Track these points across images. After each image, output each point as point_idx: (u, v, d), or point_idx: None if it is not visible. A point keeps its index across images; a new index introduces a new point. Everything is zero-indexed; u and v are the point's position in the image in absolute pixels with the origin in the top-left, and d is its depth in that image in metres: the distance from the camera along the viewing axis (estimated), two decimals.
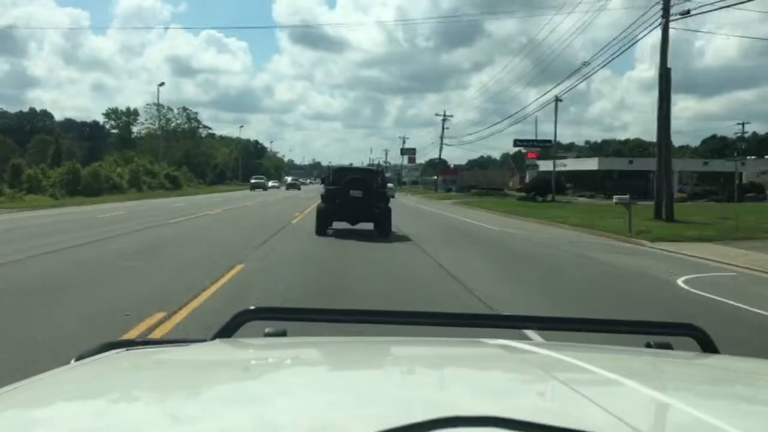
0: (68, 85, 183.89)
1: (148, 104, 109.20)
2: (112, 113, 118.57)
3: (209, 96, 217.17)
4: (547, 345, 1.65)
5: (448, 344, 1.71)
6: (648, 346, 1.65)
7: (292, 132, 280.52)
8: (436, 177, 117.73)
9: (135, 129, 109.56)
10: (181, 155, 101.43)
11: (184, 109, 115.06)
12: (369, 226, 18.16)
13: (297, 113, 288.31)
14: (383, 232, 17.62)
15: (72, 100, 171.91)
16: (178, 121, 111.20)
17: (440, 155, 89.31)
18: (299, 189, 76.85)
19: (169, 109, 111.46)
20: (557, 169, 65.96)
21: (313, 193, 64.32)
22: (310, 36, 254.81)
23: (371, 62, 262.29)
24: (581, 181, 62.36)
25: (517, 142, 67.09)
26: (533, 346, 1.54)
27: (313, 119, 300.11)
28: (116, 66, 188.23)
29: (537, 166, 65.08)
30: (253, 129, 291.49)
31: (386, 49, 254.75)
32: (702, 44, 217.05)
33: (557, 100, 46.66)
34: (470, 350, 1.60)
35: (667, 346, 1.62)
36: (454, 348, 1.66)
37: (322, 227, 17.50)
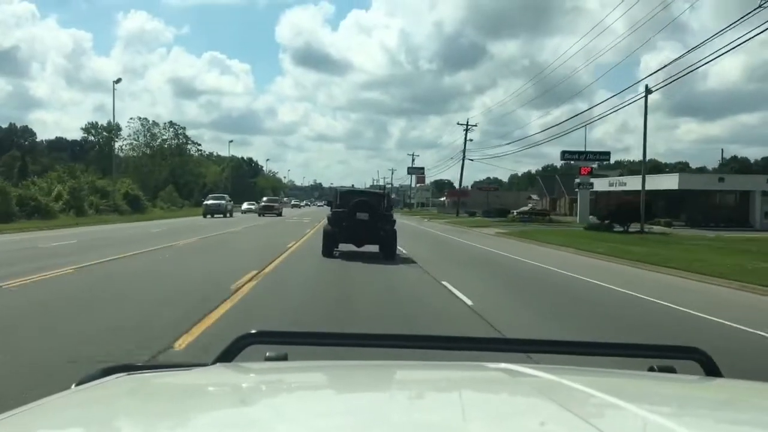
0: (71, 107, 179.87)
1: (131, 118, 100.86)
2: (91, 128, 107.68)
3: (211, 117, 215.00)
4: (549, 368, 1.56)
5: (450, 368, 1.75)
6: (651, 369, 1.62)
7: (294, 154, 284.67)
8: (444, 199, 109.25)
9: (117, 145, 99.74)
10: (167, 173, 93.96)
11: (171, 123, 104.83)
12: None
13: (299, 135, 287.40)
14: (389, 255, 17.45)
15: (75, 121, 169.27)
16: (165, 137, 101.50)
17: (462, 172, 75.11)
18: (280, 214, 54.56)
19: (155, 123, 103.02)
20: (613, 188, 53.01)
21: (309, 217, 52.71)
22: (312, 58, 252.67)
23: (373, 84, 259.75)
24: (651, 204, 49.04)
25: (566, 155, 54.21)
26: (535, 369, 1.50)
27: (316, 141, 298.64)
28: (119, 87, 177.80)
29: (591, 184, 51.91)
30: (255, 150, 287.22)
31: (388, 71, 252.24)
32: None
33: (648, 91, 33.37)
34: (472, 374, 1.62)
35: (671, 370, 1.60)
36: (455, 372, 1.69)
37: (329, 249, 17.44)
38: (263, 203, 58.78)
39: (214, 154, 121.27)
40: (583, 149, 53.22)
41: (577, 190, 52.80)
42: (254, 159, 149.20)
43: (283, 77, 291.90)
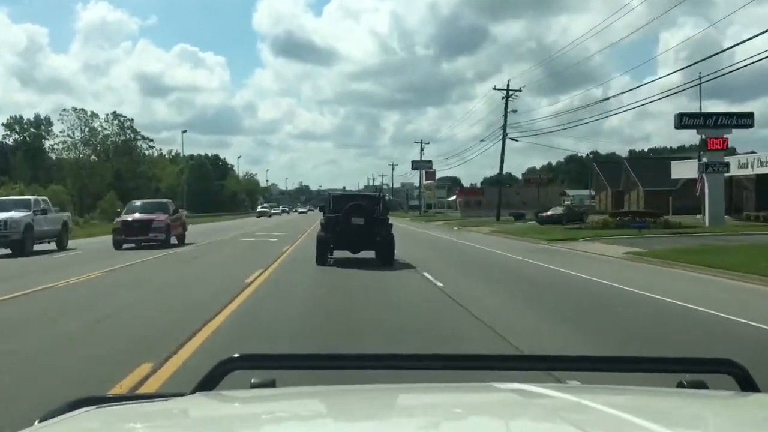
0: (26, 109, 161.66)
1: (64, 110, 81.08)
2: (14, 123, 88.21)
3: (184, 117, 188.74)
4: (567, 388, 1.51)
5: (456, 390, 1.61)
6: (680, 385, 1.53)
7: (277, 154, 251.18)
8: (455, 198, 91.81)
9: (48, 144, 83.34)
10: (111, 176, 76.69)
11: (115, 115, 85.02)
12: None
13: (282, 133, 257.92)
14: (386, 261, 16.46)
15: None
16: (107, 132, 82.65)
17: (503, 155, 52.23)
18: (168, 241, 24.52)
19: (94, 115, 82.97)
20: (741, 173, 33.89)
21: (284, 231, 33.96)
22: (294, 47, 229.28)
23: (363, 74, 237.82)
24: None
25: (684, 119, 34.46)
26: (549, 389, 1.41)
27: (301, 139, 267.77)
28: (79, 86, 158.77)
29: (726, 166, 32.75)
30: (233, 152, 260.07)
31: (379, 59, 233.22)
32: None
33: None
34: (480, 396, 1.51)
35: (702, 385, 1.50)
36: (462, 395, 1.56)
37: (322, 257, 16.42)
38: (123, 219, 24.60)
39: (173, 152, 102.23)
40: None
41: (702, 175, 33.59)
42: (222, 157, 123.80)
43: (263, 69, 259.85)
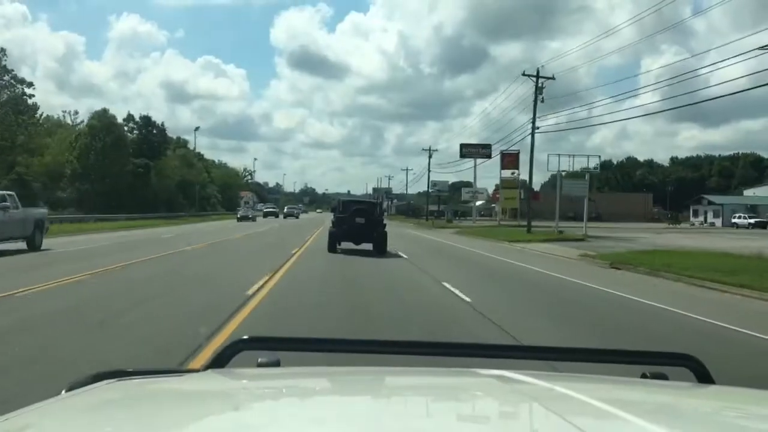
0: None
1: None
2: None
3: (206, 123, 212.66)
4: (540, 375, 1.57)
5: (443, 374, 1.71)
6: (644, 376, 1.64)
7: (289, 160, 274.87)
8: (493, 205, 75.69)
9: None
10: None
11: None
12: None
13: (295, 141, 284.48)
14: (380, 251, 21.46)
15: None
16: None
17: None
18: None
19: None
20: None
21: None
22: (309, 61, 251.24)
23: (371, 89, 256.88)
24: None
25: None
26: (526, 376, 1.51)
27: (312, 147, 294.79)
28: (111, 91, 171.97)
29: None
30: (250, 157, 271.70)
31: (386, 75, 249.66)
32: None
33: None
34: (464, 380, 1.60)
35: (663, 377, 1.62)
36: (449, 378, 1.66)
37: (333, 246, 21.71)
38: None
39: (72, 112, 76.35)
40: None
41: None
42: (153, 119, 73.84)
43: (279, 81, 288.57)
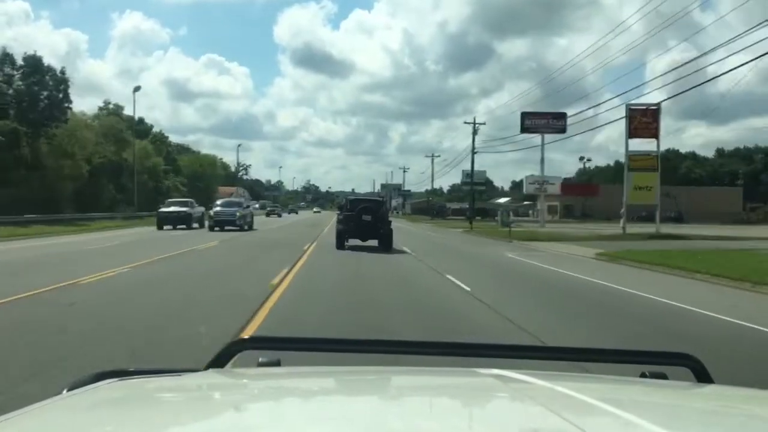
0: None
1: None
2: None
3: (209, 121, 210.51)
4: (541, 375, 1.56)
5: (444, 374, 1.73)
6: (643, 375, 1.65)
7: (293, 159, 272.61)
8: (508, 202, 64.53)
9: None
10: None
11: None
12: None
13: (299, 140, 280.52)
14: (386, 248, 21.99)
15: None
16: None
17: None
18: None
19: None
20: None
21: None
22: (312, 59, 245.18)
23: (375, 87, 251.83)
24: None
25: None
26: (527, 375, 1.51)
27: (315, 146, 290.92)
28: (113, 90, 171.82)
29: None
30: (255, 156, 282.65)
31: (390, 73, 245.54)
32: None
33: None
34: (465, 380, 1.60)
35: (663, 376, 1.63)
36: (449, 378, 1.67)
37: (341, 243, 22.15)
38: None
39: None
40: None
41: None
42: (49, 63, 47.78)
43: (282, 79, 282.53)
